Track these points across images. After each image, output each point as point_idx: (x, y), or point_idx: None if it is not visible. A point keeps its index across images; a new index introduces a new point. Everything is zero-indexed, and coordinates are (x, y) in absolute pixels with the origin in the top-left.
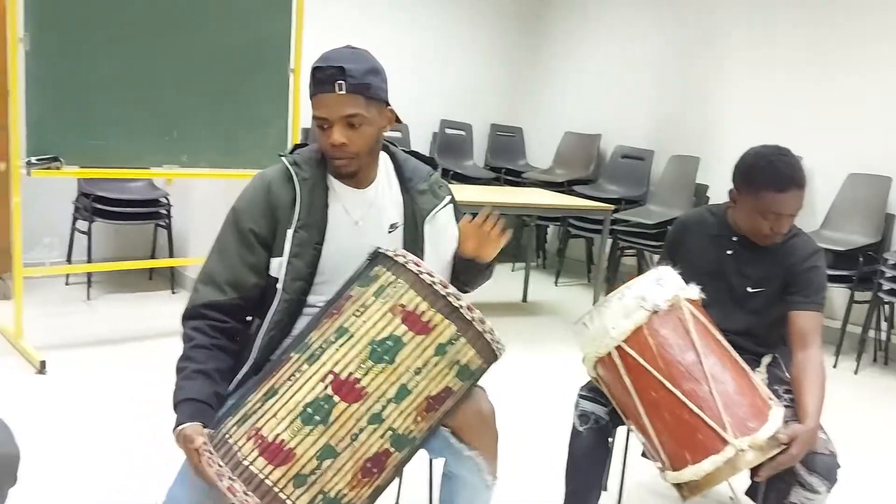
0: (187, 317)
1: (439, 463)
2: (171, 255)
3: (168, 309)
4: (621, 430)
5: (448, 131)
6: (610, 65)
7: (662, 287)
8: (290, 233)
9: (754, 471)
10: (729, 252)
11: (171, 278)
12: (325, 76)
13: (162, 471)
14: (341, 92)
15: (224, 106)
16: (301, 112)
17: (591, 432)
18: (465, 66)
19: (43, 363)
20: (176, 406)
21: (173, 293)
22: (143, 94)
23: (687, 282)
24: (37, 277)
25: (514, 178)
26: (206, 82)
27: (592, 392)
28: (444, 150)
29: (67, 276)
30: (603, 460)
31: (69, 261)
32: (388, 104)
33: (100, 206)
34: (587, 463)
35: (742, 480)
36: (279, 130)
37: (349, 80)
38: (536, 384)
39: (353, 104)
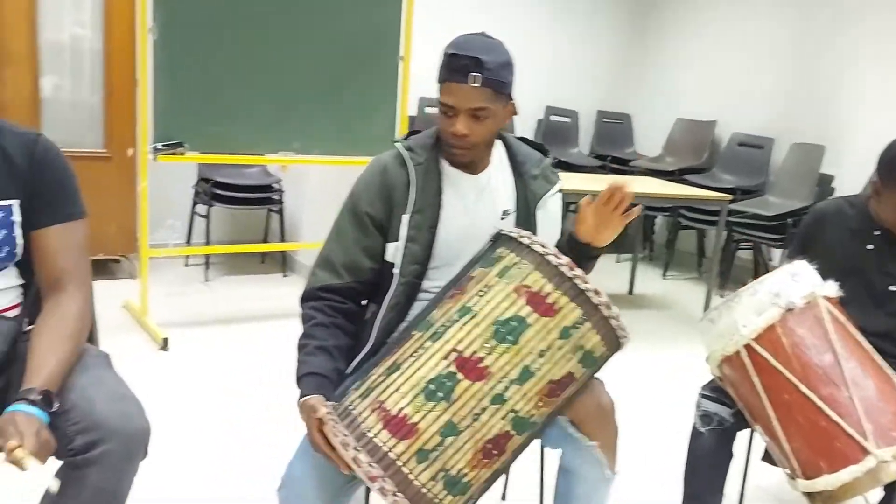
0: (305, 298)
1: (550, 455)
2: (283, 240)
3: (279, 291)
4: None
5: (553, 118)
6: (726, 47)
7: (798, 283)
8: (405, 217)
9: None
10: (870, 247)
11: (282, 262)
12: (460, 65)
13: (278, 445)
14: (474, 84)
15: (336, 94)
16: (409, 100)
17: (714, 434)
18: (572, 50)
19: (165, 340)
20: (299, 380)
21: (284, 276)
22: (262, 82)
23: (823, 278)
24: (160, 258)
25: (620, 166)
26: (319, 71)
27: (716, 392)
28: (549, 137)
29: (187, 257)
30: (725, 464)
31: (189, 243)
32: (511, 98)
33: (218, 191)
34: (708, 465)
35: (875, 491)
36: (387, 118)
37: (484, 73)
38: (644, 379)
39: (482, 98)
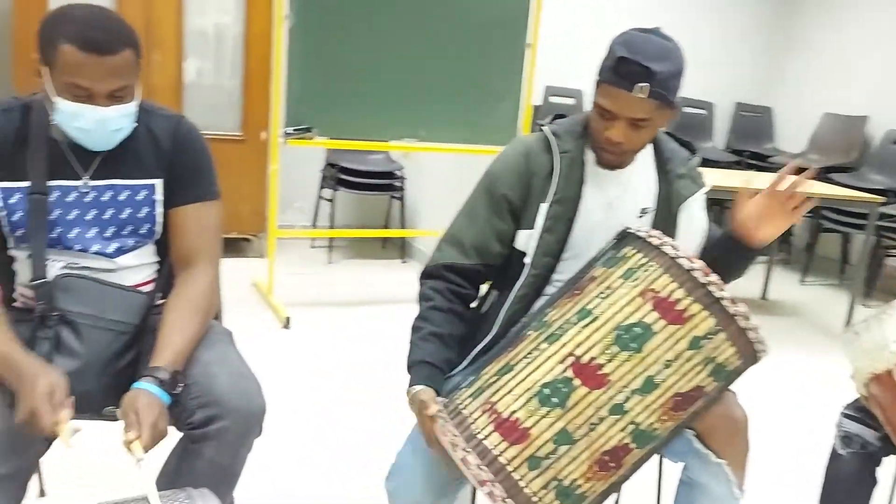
0: (427, 275)
1: (670, 467)
2: (403, 226)
3: (397, 277)
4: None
5: (687, 110)
6: (880, 37)
7: None
8: (544, 206)
9: None
10: None
11: (401, 248)
12: (628, 72)
13: (391, 430)
14: (640, 95)
15: (461, 82)
16: (534, 89)
17: (856, 458)
18: (709, 36)
19: (288, 319)
20: (410, 366)
21: (403, 262)
22: (390, 69)
23: None
24: (286, 239)
25: (759, 162)
26: (446, 58)
27: (860, 412)
28: (682, 129)
29: (312, 239)
30: (867, 491)
31: (314, 226)
32: (675, 106)
33: (343, 176)
34: (848, 491)
35: None
36: (511, 107)
37: (653, 84)
38: (776, 392)
39: (645, 109)
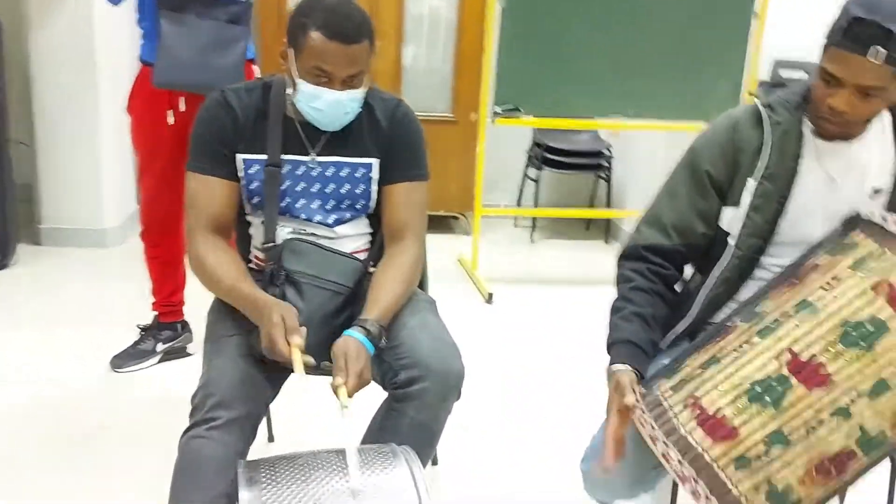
0: (626, 256)
1: None
2: (609, 207)
3: (601, 258)
4: None
5: None
6: None
7: None
8: (751, 182)
9: None
10: None
11: (606, 229)
12: (864, 35)
13: (584, 414)
14: (874, 60)
15: (676, 55)
16: (760, 63)
17: None
18: None
19: (490, 295)
20: (611, 346)
21: (607, 244)
22: (599, 46)
23: None
24: (491, 217)
25: None
26: (662, 31)
27: None
28: None
29: (516, 218)
30: None
31: (519, 204)
32: None
33: (549, 156)
34: None
35: None
36: (733, 82)
37: (892, 49)
38: None
39: (879, 76)
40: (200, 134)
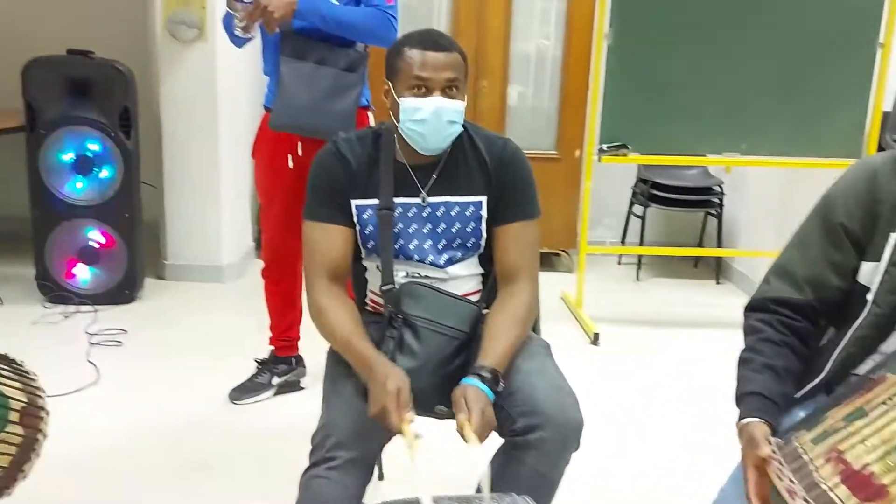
0: (753, 308)
1: None
2: (719, 245)
3: (711, 299)
4: None
5: None
6: None
7: None
8: (893, 237)
9: None
10: None
11: (716, 268)
12: None
13: (708, 463)
14: None
15: (794, 88)
16: (885, 94)
17: None
18: None
19: (596, 335)
20: (739, 398)
21: (717, 283)
22: (710, 81)
23: None
24: (595, 255)
25: None
26: (777, 63)
27: None
28: None
29: (620, 256)
30: None
31: (623, 242)
32: None
33: (656, 192)
34: None
35: None
36: (855, 115)
37: None
38: None
39: None
40: (316, 184)
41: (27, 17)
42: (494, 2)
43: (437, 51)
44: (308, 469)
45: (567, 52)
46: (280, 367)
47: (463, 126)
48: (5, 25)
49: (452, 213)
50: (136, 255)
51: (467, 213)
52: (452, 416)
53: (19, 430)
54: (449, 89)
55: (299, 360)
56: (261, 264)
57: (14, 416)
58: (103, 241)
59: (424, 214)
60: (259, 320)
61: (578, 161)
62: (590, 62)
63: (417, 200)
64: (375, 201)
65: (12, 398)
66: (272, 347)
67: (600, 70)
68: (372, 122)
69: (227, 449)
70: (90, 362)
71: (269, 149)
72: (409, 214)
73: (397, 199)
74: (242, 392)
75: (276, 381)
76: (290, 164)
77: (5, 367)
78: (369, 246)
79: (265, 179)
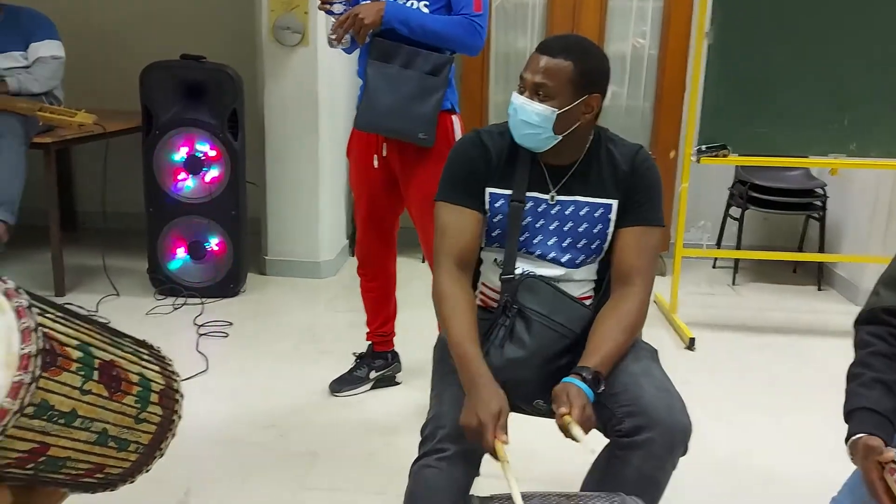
0: (863, 321)
1: None
2: (821, 250)
3: (811, 305)
4: None
5: None
6: None
7: None
8: None
9: None
10: None
11: (817, 274)
12: None
13: (815, 475)
14: None
15: None
16: None
17: None
18: None
19: (692, 340)
20: (849, 414)
21: (819, 290)
22: (814, 80)
23: None
24: (690, 258)
25: None
26: (887, 61)
27: None
28: None
29: (715, 259)
30: None
31: (719, 245)
32: None
33: (754, 194)
34: None
35: None
36: None
37: None
38: None
39: None
40: (453, 168)
41: (145, 25)
42: (589, 2)
43: (544, 54)
44: (418, 459)
45: (663, 50)
46: (377, 361)
47: (596, 130)
48: (125, 33)
49: (581, 213)
50: (240, 250)
51: (596, 215)
52: (549, 414)
53: (158, 410)
54: (537, 93)
55: (395, 355)
56: (354, 262)
57: (154, 398)
58: (211, 237)
59: (552, 212)
60: (354, 315)
61: (674, 162)
62: (687, 61)
63: (546, 197)
64: (508, 192)
65: (153, 381)
66: (369, 342)
67: (699, 69)
68: (456, 126)
69: (328, 438)
70: (199, 352)
71: (358, 148)
72: (539, 209)
73: (529, 194)
74: (342, 384)
75: (373, 374)
76: (375, 163)
77: (145, 352)
78: (494, 234)
79: (355, 178)
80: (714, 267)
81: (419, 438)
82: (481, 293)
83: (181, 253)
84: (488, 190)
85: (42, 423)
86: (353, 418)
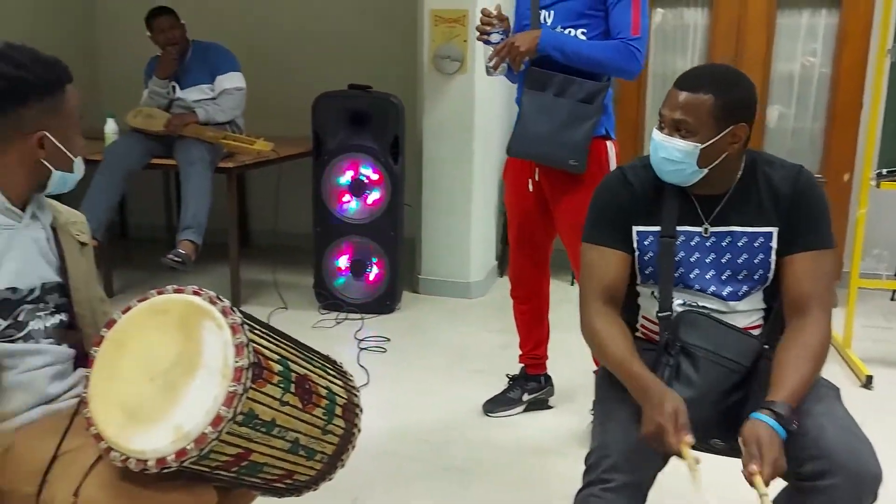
0: None
1: None
2: None
3: None
4: None
5: None
6: None
7: None
8: None
9: None
10: None
11: None
12: None
13: None
14: None
15: None
16: None
17: None
18: None
19: (869, 378)
20: None
21: None
22: None
23: None
24: (866, 289)
25: None
26: None
27: None
28: None
29: (893, 292)
30: None
31: None
32: None
33: None
34: None
35: None
36: None
37: None
38: None
39: None
40: (599, 208)
41: (316, 57)
42: (755, 22)
43: (682, 89)
44: (583, 488)
45: (837, 69)
46: (530, 384)
47: (749, 155)
48: (298, 65)
49: (739, 244)
50: (396, 269)
51: (755, 245)
52: (729, 452)
53: (341, 423)
54: (677, 129)
55: (548, 379)
56: (503, 282)
57: (339, 411)
58: (371, 255)
59: (707, 244)
60: (505, 336)
61: (848, 185)
62: (864, 79)
63: (700, 230)
64: (657, 228)
65: (338, 395)
66: (522, 365)
67: (880, 87)
68: (611, 152)
69: (483, 457)
70: (361, 365)
71: (513, 172)
72: (692, 243)
73: (680, 228)
74: (495, 405)
75: (526, 397)
76: (530, 187)
77: (330, 367)
78: (647, 272)
79: (509, 201)
80: (892, 299)
81: (573, 463)
82: (642, 326)
83: (344, 270)
84: (635, 229)
85: (248, 430)
86: (506, 439)
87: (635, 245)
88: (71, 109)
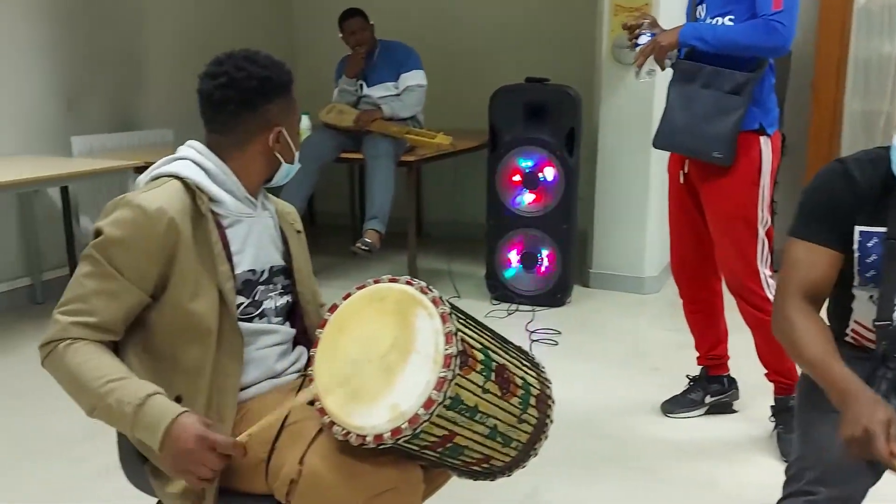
0: None
1: None
2: None
3: None
4: None
5: None
6: None
7: None
8: None
9: None
10: None
11: None
12: None
13: None
14: None
15: None
16: None
17: None
18: None
19: None
20: None
21: None
22: None
23: None
24: None
25: None
26: None
27: None
28: None
29: None
30: None
31: None
32: None
33: None
34: None
35: None
36: None
37: None
38: None
39: None
40: (814, 202)
41: (495, 51)
42: None
43: None
44: (783, 499)
45: None
46: (713, 386)
47: None
48: (478, 60)
49: None
50: (568, 262)
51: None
52: None
53: (535, 412)
54: None
55: (732, 381)
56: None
57: (532, 401)
58: (543, 249)
59: None
60: (681, 335)
61: None
62: None
63: None
64: (883, 229)
65: (532, 385)
66: (703, 366)
67: None
68: (765, 148)
69: (663, 457)
70: None
71: (671, 164)
72: None
73: None
74: (675, 405)
75: (708, 399)
76: (681, 179)
77: (524, 359)
78: (868, 275)
79: (669, 192)
80: None
81: (765, 472)
82: (853, 331)
83: (515, 262)
84: (858, 228)
85: (454, 414)
86: (687, 441)
87: (856, 246)
88: (297, 107)
